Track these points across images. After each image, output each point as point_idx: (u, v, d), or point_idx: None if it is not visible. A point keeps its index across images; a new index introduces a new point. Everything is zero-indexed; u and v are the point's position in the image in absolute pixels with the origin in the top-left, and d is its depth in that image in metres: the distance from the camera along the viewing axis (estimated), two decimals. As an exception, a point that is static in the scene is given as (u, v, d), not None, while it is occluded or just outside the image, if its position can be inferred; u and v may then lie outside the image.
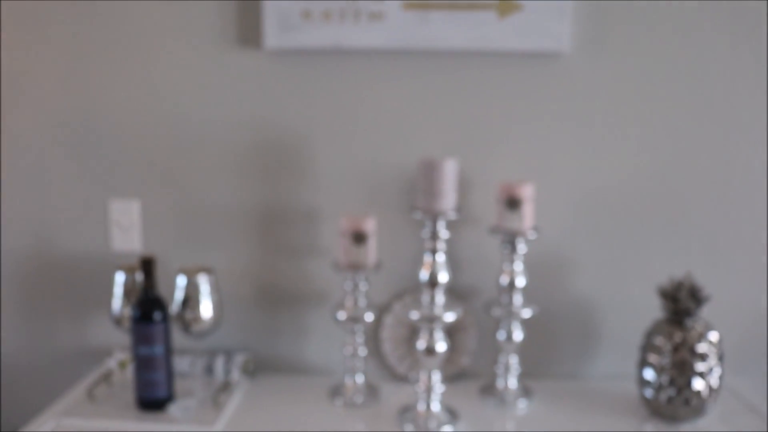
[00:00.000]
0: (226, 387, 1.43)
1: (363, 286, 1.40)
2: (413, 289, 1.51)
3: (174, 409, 1.33)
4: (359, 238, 1.34)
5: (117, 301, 1.43)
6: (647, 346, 1.34)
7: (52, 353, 1.62)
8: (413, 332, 1.48)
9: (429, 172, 1.23)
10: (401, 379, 1.52)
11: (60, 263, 1.57)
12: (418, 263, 1.30)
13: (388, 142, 1.47)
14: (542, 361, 1.54)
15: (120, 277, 1.43)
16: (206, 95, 1.48)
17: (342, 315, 1.39)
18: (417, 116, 1.46)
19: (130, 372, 1.45)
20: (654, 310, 1.38)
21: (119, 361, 1.51)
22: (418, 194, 1.26)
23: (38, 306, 1.60)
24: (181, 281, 1.36)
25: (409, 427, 1.29)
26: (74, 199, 1.55)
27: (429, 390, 1.30)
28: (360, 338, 1.43)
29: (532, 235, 1.37)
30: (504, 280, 1.40)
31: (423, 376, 1.31)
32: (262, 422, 1.33)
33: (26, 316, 1.61)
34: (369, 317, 1.40)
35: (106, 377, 1.47)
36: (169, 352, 1.34)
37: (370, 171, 1.48)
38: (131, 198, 1.53)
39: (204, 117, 1.49)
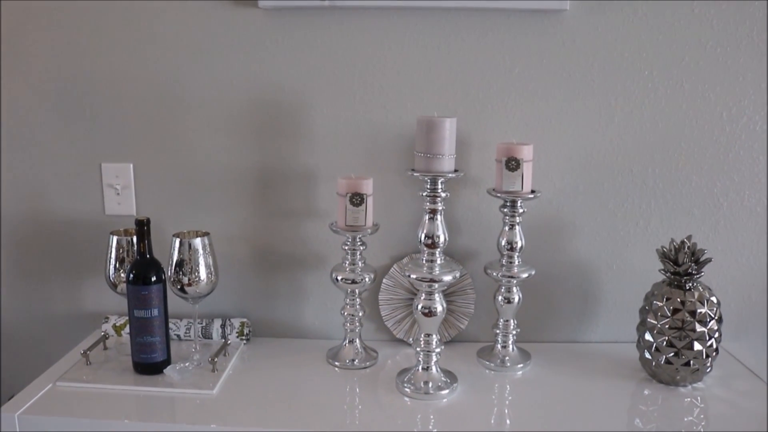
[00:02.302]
0: (223, 351, 1.42)
1: (361, 248, 1.39)
2: (412, 252, 1.50)
3: (171, 372, 1.32)
4: (357, 199, 1.33)
5: (111, 266, 1.41)
6: (646, 309, 1.33)
7: (47, 318, 1.61)
8: (412, 295, 1.48)
9: (427, 130, 1.21)
10: (400, 341, 1.52)
11: (54, 227, 1.56)
12: (416, 226, 1.29)
13: (386, 102, 1.44)
14: (541, 325, 1.54)
15: (113, 242, 1.40)
16: (200, 55, 1.45)
17: (340, 277, 1.38)
18: (415, 75, 1.43)
19: (126, 337, 1.45)
20: (654, 273, 1.37)
21: (115, 325, 1.50)
22: (416, 154, 1.24)
23: (32, 270, 1.59)
24: (177, 243, 1.34)
25: (407, 389, 1.28)
26: (67, 162, 1.52)
27: (427, 352, 1.29)
28: (358, 301, 1.42)
29: (531, 197, 1.35)
30: (503, 242, 1.38)
31: (421, 339, 1.30)
32: (259, 385, 1.32)
33: (20, 280, 1.60)
34: (367, 279, 1.39)
35: (102, 341, 1.46)
36: (165, 315, 1.32)
37: (368, 131, 1.46)
38: (124, 160, 1.51)
39: (198, 77, 1.46)
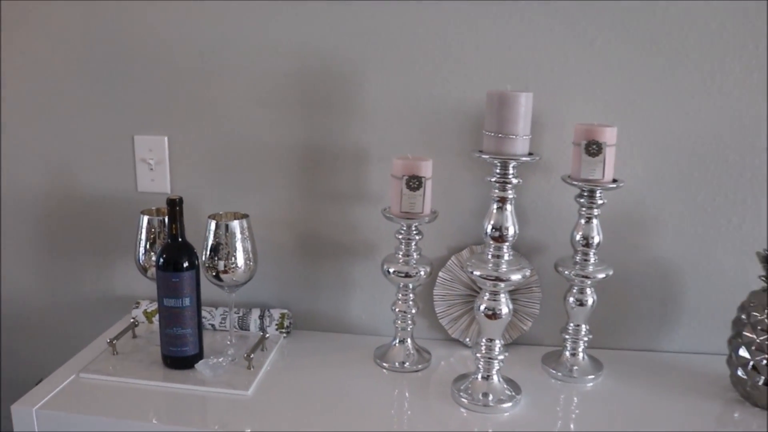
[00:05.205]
0: (261, 345, 1.31)
1: (417, 238, 1.26)
2: (472, 244, 1.37)
3: (203, 367, 1.22)
4: (415, 182, 1.19)
5: (141, 248, 1.30)
6: (743, 321, 1.16)
7: (76, 300, 1.55)
8: (470, 291, 1.34)
9: (499, 106, 1.06)
10: (455, 342, 1.39)
11: (83, 204, 1.49)
12: (478, 214, 1.14)
13: (449, 74, 1.30)
14: (614, 330, 1.39)
15: (143, 222, 1.30)
16: (243, 18, 1.33)
17: (392, 269, 1.26)
18: (483, 45, 1.28)
19: (158, 324, 1.35)
20: (748, 280, 1.22)
21: (146, 311, 1.41)
22: (485, 133, 1.09)
23: (61, 250, 1.53)
24: (212, 226, 1.22)
25: (463, 399, 1.14)
26: (97, 134, 1.45)
27: (488, 359, 1.15)
28: (411, 296, 1.29)
29: (613, 187, 1.20)
30: (577, 236, 1.23)
31: (482, 343, 1.15)
32: (298, 386, 1.21)
33: (48, 260, 1.54)
34: (422, 273, 1.26)
35: (131, 328, 1.36)
36: (197, 304, 1.21)
37: (428, 106, 1.32)
38: (159, 133, 1.42)
39: (240, 42, 1.35)
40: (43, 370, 1.26)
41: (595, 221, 1.23)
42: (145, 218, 1.30)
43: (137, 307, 1.43)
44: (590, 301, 1.25)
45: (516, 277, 1.10)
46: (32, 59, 1.42)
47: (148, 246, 1.30)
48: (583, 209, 1.23)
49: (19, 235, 1.53)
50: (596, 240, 1.23)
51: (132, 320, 1.39)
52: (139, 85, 1.40)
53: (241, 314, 1.40)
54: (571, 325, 1.28)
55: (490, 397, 1.14)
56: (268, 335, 1.36)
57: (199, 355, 1.24)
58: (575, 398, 1.21)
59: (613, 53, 1.26)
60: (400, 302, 1.29)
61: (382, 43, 1.31)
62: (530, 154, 1.10)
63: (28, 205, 1.51)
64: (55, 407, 1.12)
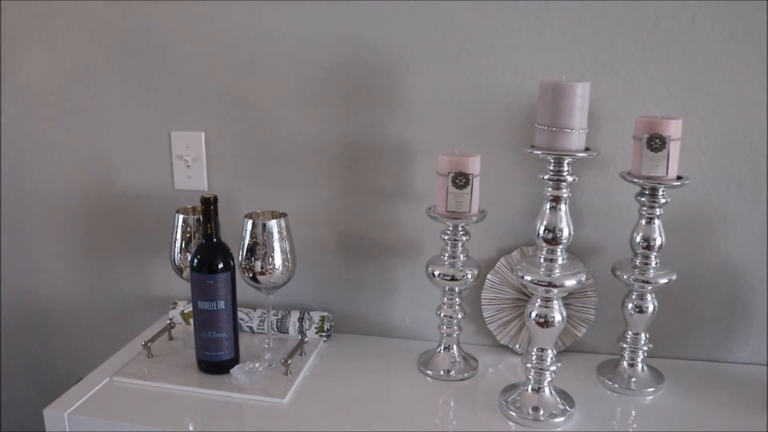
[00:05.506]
0: (299, 349, 1.27)
1: (464, 239, 1.18)
2: (523, 245, 1.29)
3: (238, 373, 1.17)
4: (462, 180, 1.12)
5: (176, 248, 1.26)
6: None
7: (113, 299, 1.53)
8: (521, 295, 1.27)
9: (554, 98, 0.98)
10: (503, 348, 1.32)
11: (119, 202, 1.46)
12: (529, 213, 1.07)
13: (498, 64, 1.23)
14: (676, 339, 1.30)
15: (178, 221, 1.26)
16: (280, 11, 1.28)
17: (437, 272, 1.19)
18: (534, 32, 1.21)
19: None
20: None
21: (183, 312, 1.37)
22: (537, 127, 1.01)
23: (97, 248, 1.51)
24: (249, 225, 1.17)
25: (512, 412, 1.07)
26: (133, 130, 1.42)
27: (539, 370, 1.07)
28: (457, 300, 1.22)
29: (677, 185, 1.11)
30: (637, 238, 1.14)
31: (533, 353, 1.08)
32: (337, 394, 1.16)
33: (84, 259, 1.53)
34: (469, 276, 1.19)
35: (168, 330, 1.33)
36: (233, 307, 1.17)
37: (476, 99, 1.25)
38: (196, 129, 1.38)
39: (278, 34, 1.29)
40: (81, 369, 1.24)
41: (657, 222, 1.14)
42: (181, 217, 1.26)
43: (174, 308, 1.39)
44: (651, 307, 1.16)
45: (570, 282, 1.02)
46: (68, 56, 1.40)
47: (183, 245, 1.26)
48: (644, 209, 1.14)
49: (55, 234, 1.51)
50: (658, 242, 1.14)
51: (168, 321, 1.35)
52: (175, 81, 1.36)
53: (279, 317, 1.35)
54: (630, 333, 1.20)
55: (541, 412, 1.06)
56: (307, 339, 1.32)
57: (234, 360, 1.19)
58: (633, 412, 1.13)
59: (678, 38, 1.17)
60: (445, 306, 1.22)
61: (426, 33, 1.24)
62: (587, 149, 1.02)
63: (64, 203, 1.49)
64: (87, 412, 1.10)
